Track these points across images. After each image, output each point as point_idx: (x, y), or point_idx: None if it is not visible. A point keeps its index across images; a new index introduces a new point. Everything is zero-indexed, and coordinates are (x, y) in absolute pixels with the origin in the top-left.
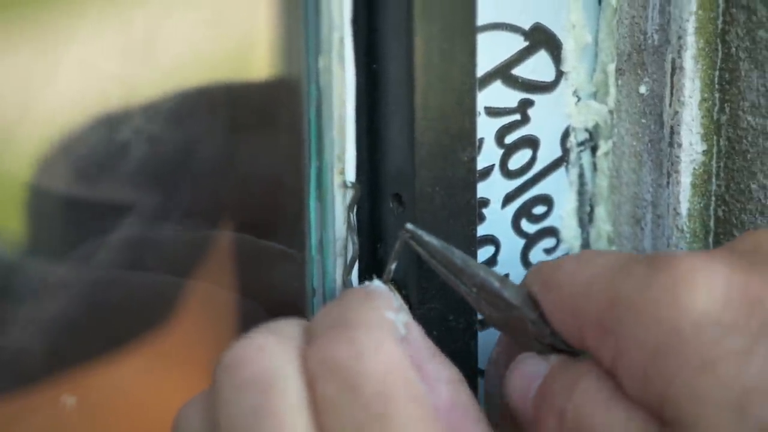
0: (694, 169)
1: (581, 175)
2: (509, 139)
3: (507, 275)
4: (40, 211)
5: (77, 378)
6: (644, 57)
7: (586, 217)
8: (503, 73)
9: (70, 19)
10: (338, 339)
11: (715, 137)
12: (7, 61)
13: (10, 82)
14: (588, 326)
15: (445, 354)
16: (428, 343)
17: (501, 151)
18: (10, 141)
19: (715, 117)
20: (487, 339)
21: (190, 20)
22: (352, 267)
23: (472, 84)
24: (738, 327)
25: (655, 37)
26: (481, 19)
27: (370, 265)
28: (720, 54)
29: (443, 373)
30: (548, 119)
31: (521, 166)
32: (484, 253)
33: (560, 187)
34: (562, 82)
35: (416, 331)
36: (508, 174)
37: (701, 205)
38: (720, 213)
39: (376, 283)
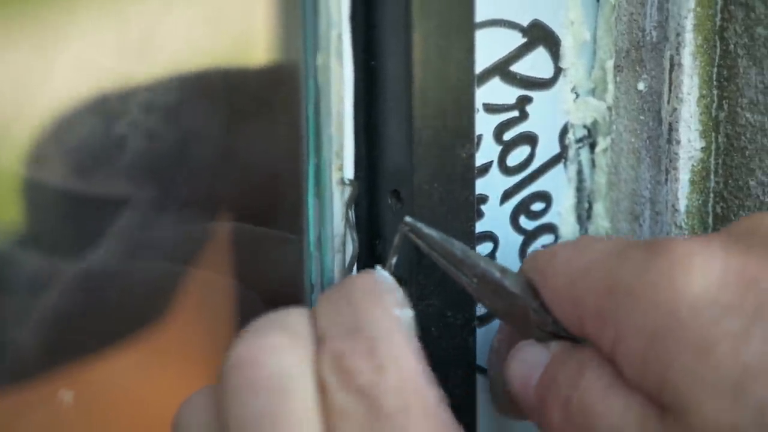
0: (693, 165)
1: (580, 172)
2: (508, 136)
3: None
4: (36, 204)
5: (75, 373)
6: (642, 54)
7: (584, 214)
8: (502, 69)
9: (69, 15)
10: (356, 348)
11: (713, 134)
12: (5, 57)
13: (9, 77)
14: (587, 313)
15: (443, 351)
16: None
17: (499, 148)
18: (7, 137)
19: (713, 114)
20: (486, 336)
21: (188, 17)
22: (352, 265)
23: (471, 80)
24: (735, 309)
25: (654, 34)
26: (480, 16)
27: (369, 262)
28: (718, 51)
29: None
30: (547, 116)
31: (520, 163)
32: (483, 249)
33: (559, 183)
34: (561, 78)
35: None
36: (507, 170)
37: (699, 201)
38: (718, 210)
39: (380, 271)
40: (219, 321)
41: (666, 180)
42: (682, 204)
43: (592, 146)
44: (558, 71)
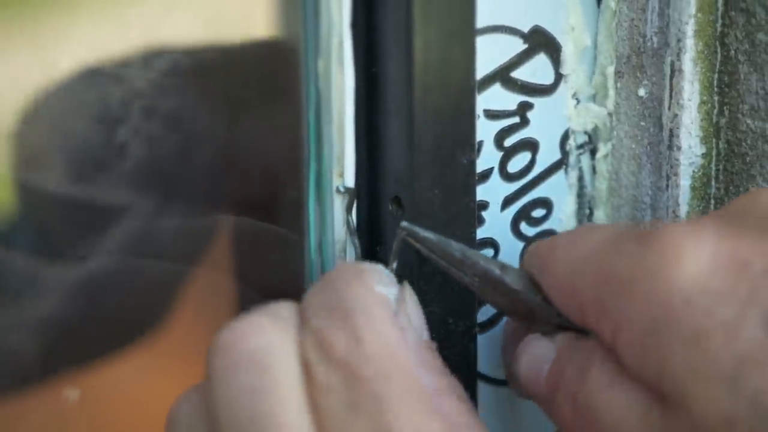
0: (694, 171)
1: (580, 178)
2: (508, 142)
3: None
4: (37, 205)
5: (78, 377)
6: (643, 60)
7: (585, 220)
8: (502, 75)
9: (69, 18)
10: (334, 323)
11: (714, 140)
12: (5, 60)
13: (9, 80)
14: (586, 304)
15: (444, 357)
16: (420, 350)
17: (500, 154)
18: (8, 140)
19: (714, 120)
20: (487, 342)
21: (189, 22)
22: None
23: (472, 87)
24: (727, 296)
25: (654, 39)
26: (481, 22)
27: None
28: (719, 57)
29: (429, 383)
30: (547, 122)
31: (520, 169)
32: None
33: (559, 189)
34: (562, 84)
35: (410, 337)
36: (508, 177)
37: (700, 207)
38: None
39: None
40: (220, 324)
41: (667, 186)
42: (683, 210)
43: (593, 152)
44: (559, 77)
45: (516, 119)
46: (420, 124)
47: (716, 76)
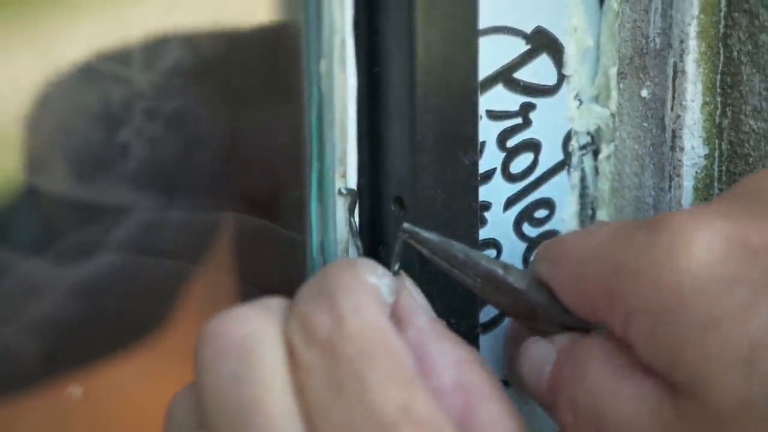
0: (696, 172)
1: (583, 179)
2: (511, 143)
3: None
4: (39, 205)
5: (80, 378)
6: (646, 61)
7: (587, 221)
8: (505, 76)
9: (70, 18)
10: (318, 306)
11: (717, 141)
12: (5, 60)
13: (9, 81)
14: (597, 296)
15: None
16: (434, 325)
17: (503, 155)
18: (8, 141)
19: (717, 121)
20: (489, 342)
21: (189, 23)
22: None
23: (474, 87)
24: (739, 281)
25: (657, 40)
26: (483, 23)
27: None
28: (722, 58)
29: (449, 355)
30: (550, 123)
31: (523, 170)
32: None
33: (562, 190)
34: (564, 85)
35: (420, 315)
36: (510, 177)
37: None
38: None
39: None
40: None
41: (669, 187)
42: None
43: (596, 153)
44: (561, 78)
45: (518, 120)
46: (422, 124)
47: (719, 77)
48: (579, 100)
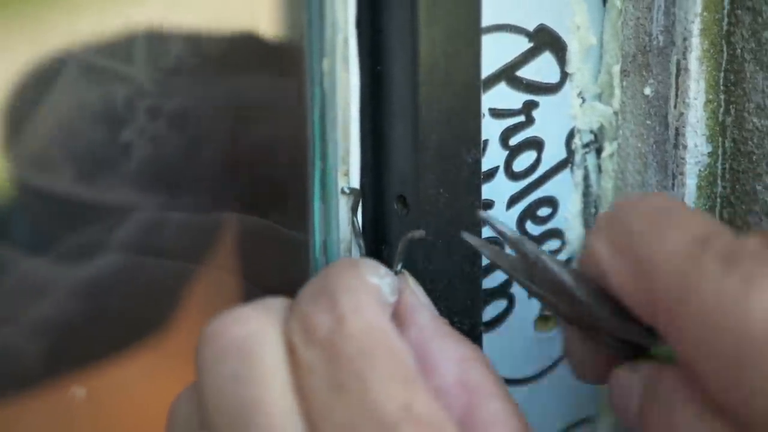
0: (700, 170)
1: (586, 177)
2: (514, 141)
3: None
4: (42, 205)
5: (83, 378)
6: (649, 58)
7: (591, 219)
8: (508, 74)
9: (70, 16)
10: (319, 306)
11: (720, 139)
12: (6, 59)
13: (10, 80)
14: (660, 307)
15: None
16: (437, 323)
17: (506, 153)
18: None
19: (720, 119)
20: (492, 341)
21: (191, 21)
22: None
23: (477, 85)
24: None
25: (660, 38)
26: (486, 21)
27: None
28: (725, 55)
29: (452, 353)
30: (553, 121)
31: (526, 168)
32: None
33: (565, 188)
34: (567, 83)
35: (422, 314)
36: (513, 176)
37: (706, 207)
38: (725, 215)
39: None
40: None
41: (673, 185)
42: None
43: (599, 151)
44: (564, 76)
45: (521, 118)
46: (425, 123)
47: (722, 74)
48: (582, 98)
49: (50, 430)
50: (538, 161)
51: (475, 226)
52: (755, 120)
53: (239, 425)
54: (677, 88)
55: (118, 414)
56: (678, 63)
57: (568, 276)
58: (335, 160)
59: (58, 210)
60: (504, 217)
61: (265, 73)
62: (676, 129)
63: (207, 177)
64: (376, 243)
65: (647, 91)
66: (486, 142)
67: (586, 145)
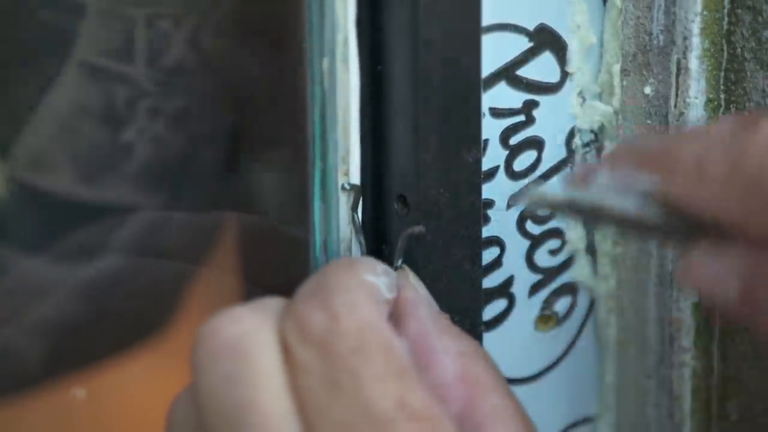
0: None
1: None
2: (514, 140)
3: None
4: (42, 206)
5: (84, 379)
6: (649, 58)
7: None
8: (508, 74)
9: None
10: (313, 305)
11: None
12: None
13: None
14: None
15: None
16: (437, 318)
17: (506, 152)
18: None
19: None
20: (493, 340)
21: (193, 20)
22: None
23: (477, 85)
24: None
25: (660, 37)
26: (486, 20)
27: None
28: (725, 55)
29: (451, 347)
30: (553, 120)
31: (526, 167)
32: (489, 254)
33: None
34: (567, 83)
35: (422, 309)
36: (513, 175)
37: None
38: None
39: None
40: None
41: None
42: None
43: (599, 150)
44: (564, 75)
45: (522, 117)
46: (425, 122)
47: (722, 74)
48: (582, 97)
49: (50, 431)
50: (538, 161)
51: (476, 226)
52: None
53: (234, 426)
54: (677, 88)
55: (119, 414)
56: (678, 62)
57: (631, 207)
58: (335, 160)
59: (58, 210)
60: (504, 217)
61: (265, 71)
62: (677, 128)
63: (207, 177)
64: (377, 242)
65: (647, 90)
66: (486, 141)
67: (586, 145)
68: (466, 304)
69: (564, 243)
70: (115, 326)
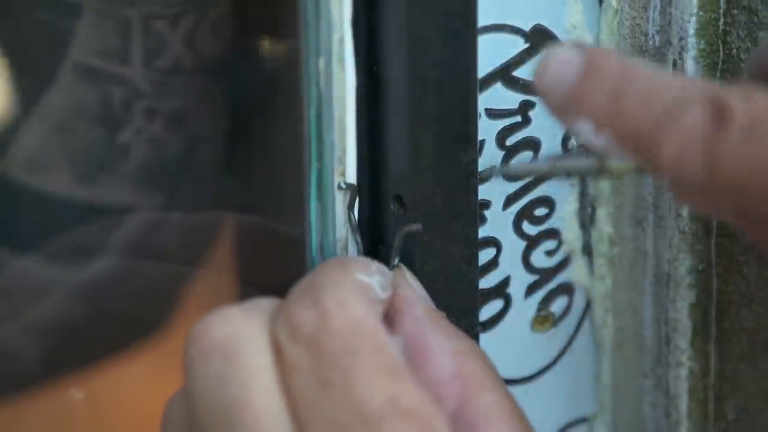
0: None
1: (582, 177)
2: (510, 141)
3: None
4: (40, 207)
5: (81, 380)
6: (645, 58)
7: (587, 219)
8: (504, 74)
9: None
10: (304, 304)
11: None
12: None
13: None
14: None
15: None
16: (433, 316)
17: (502, 153)
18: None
19: None
20: (489, 342)
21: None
22: None
23: (473, 86)
24: None
25: (657, 38)
26: (482, 21)
27: None
28: (721, 55)
29: (447, 345)
30: (549, 121)
31: None
32: (486, 254)
33: (561, 188)
34: None
35: (418, 307)
36: (509, 176)
37: None
38: None
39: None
40: None
41: None
42: (686, 209)
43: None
44: None
45: (518, 118)
46: (421, 123)
47: (718, 74)
48: None
49: (48, 431)
50: (534, 161)
51: (472, 227)
52: None
53: (226, 425)
54: None
55: (116, 415)
56: (674, 63)
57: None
58: (332, 160)
59: (54, 211)
60: (500, 217)
61: (262, 73)
62: None
63: (204, 177)
64: (373, 243)
65: None
66: (482, 142)
67: (582, 145)
68: (463, 304)
69: (560, 243)
70: (113, 327)
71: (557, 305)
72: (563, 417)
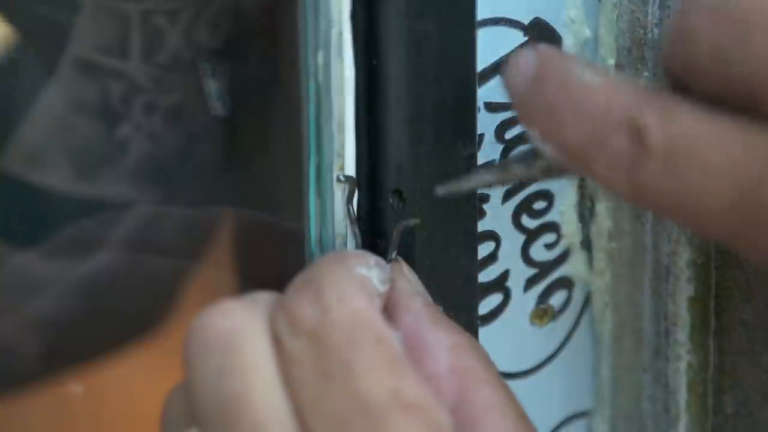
0: None
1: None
2: (509, 135)
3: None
4: (39, 203)
5: (80, 376)
6: (644, 52)
7: (586, 213)
8: (503, 68)
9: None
10: (304, 297)
11: None
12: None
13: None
14: None
15: None
16: (431, 311)
17: (501, 147)
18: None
19: None
20: (488, 335)
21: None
22: None
23: (472, 79)
24: None
25: (655, 31)
26: (481, 14)
27: None
28: None
29: (444, 340)
30: None
31: None
32: (485, 248)
33: (560, 182)
34: None
35: (416, 301)
36: None
37: None
38: None
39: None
40: None
41: None
42: None
43: None
44: None
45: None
46: (420, 117)
47: None
48: None
49: (47, 427)
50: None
51: (471, 221)
52: None
53: (227, 419)
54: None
55: (116, 411)
56: None
57: (534, 174)
58: (330, 154)
59: (53, 206)
60: (499, 211)
61: (260, 66)
62: None
63: (203, 172)
64: (372, 237)
65: (642, 84)
66: (481, 135)
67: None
68: (462, 298)
69: (559, 237)
70: (112, 323)
71: (556, 299)
72: (562, 411)
